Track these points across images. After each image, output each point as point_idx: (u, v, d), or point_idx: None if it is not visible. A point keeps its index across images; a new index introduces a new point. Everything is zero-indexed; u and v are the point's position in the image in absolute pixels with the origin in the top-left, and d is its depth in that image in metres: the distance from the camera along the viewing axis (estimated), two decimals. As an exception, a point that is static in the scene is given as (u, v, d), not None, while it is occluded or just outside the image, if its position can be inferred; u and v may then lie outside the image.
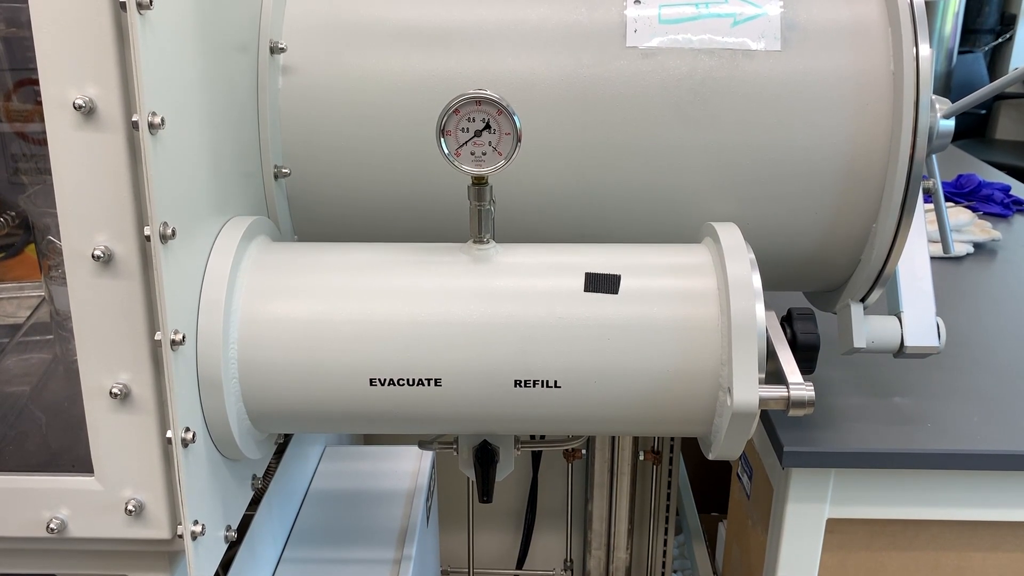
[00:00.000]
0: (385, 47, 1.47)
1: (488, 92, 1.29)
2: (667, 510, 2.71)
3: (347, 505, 1.94)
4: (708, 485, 2.95)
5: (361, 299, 1.19)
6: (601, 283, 1.30)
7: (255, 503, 1.61)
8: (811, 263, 1.50)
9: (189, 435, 1.21)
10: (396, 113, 1.43)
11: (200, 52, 1.19)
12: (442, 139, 1.29)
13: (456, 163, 1.30)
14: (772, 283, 1.36)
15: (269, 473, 1.82)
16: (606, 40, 1.43)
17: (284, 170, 1.45)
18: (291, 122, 1.42)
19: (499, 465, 1.44)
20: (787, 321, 1.31)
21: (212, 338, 1.17)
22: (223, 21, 1.26)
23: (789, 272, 1.51)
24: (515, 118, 1.28)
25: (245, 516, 1.38)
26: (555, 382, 1.20)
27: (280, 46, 1.39)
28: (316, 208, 1.48)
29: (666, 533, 2.62)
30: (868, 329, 1.48)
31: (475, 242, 1.37)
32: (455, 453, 1.48)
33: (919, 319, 1.47)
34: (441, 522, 2.74)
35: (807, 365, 1.29)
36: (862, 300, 1.47)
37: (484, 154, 1.30)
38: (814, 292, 1.66)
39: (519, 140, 1.28)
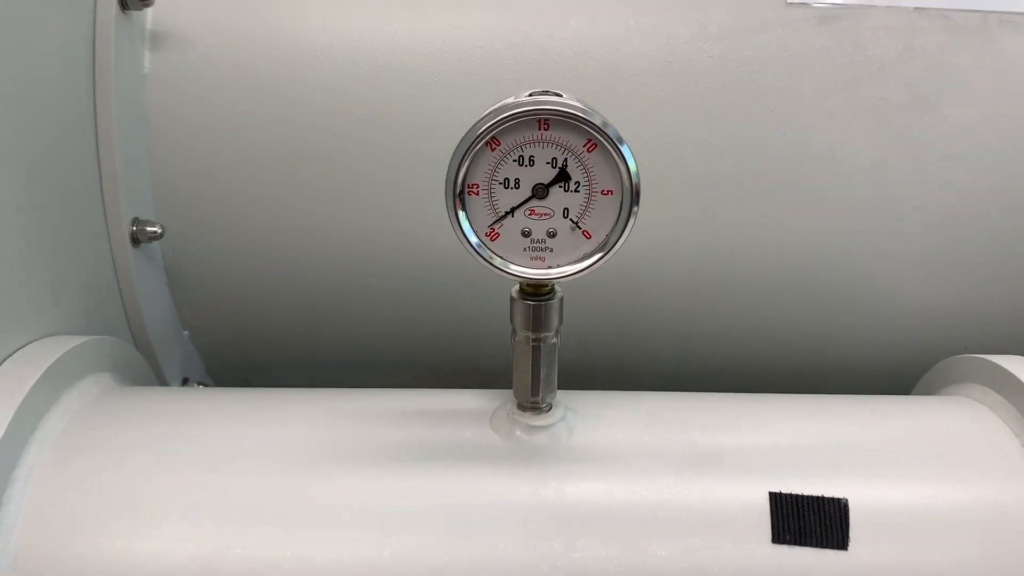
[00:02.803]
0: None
1: (567, 97, 0.54)
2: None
3: None
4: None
5: (283, 532, 0.64)
6: (806, 518, 0.58)
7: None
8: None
9: None
10: (369, 122, 0.89)
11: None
12: (458, 208, 0.54)
13: (487, 257, 0.56)
14: None
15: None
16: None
17: (152, 228, 0.91)
18: (168, 137, 0.89)
19: None
20: None
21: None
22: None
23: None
24: (627, 155, 0.54)
25: None
26: None
27: (143, -5, 0.84)
28: (220, 290, 0.97)
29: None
30: None
31: (522, 406, 0.63)
32: None
33: None
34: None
35: None
36: None
37: (552, 235, 0.55)
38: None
39: (636, 203, 0.54)
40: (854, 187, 0.91)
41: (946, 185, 0.90)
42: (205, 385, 1.02)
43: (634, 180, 0.59)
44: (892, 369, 1.02)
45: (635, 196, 0.59)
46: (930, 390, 0.84)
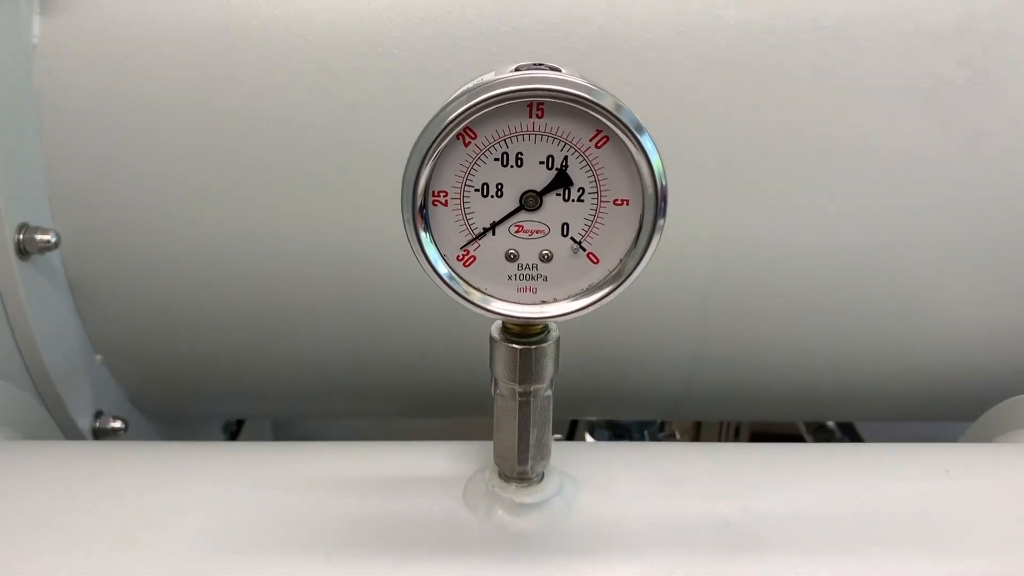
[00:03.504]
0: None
1: (567, 72, 0.38)
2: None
3: None
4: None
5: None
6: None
7: None
8: None
9: None
10: (314, 105, 0.72)
11: None
12: (420, 226, 0.38)
13: (461, 291, 0.39)
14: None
15: None
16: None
17: (44, 236, 0.73)
18: (65, 122, 0.72)
19: None
20: None
21: None
22: None
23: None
24: (650, 150, 0.37)
25: None
26: None
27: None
28: (138, 306, 0.80)
29: None
30: None
31: (505, 476, 0.47)
32: None
33: None
34: None
35: None
36: None
37: (547, 259, 0.39)
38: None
39: (662, 215, 0.38)
40: (898, 182, 0.76)
41: (1007, 179, 0.76)
42: (124, 420, 0.86)
43: (660, 184, 0.43)
44: (933, 395, 0.88)
45: (660, 206, 0.43)
46: (992, 432, 0.69)
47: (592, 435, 1.23)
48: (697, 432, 1.41)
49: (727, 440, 1.46)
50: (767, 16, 0.73)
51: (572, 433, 1.32)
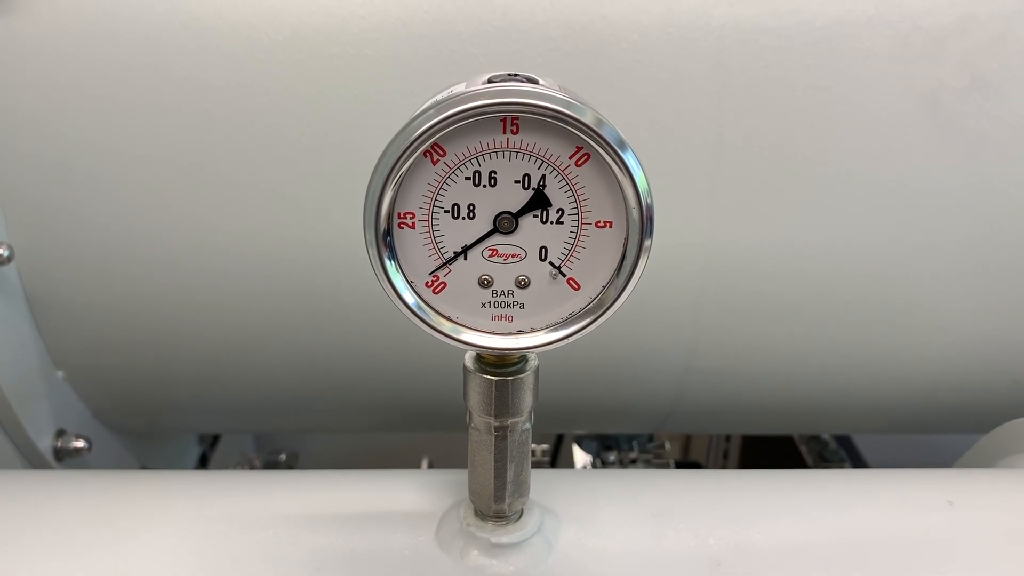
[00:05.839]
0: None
1: (545, 83, 0.34)
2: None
3: None
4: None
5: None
6: None
7: None
8: None
9: None
10: (279, 108, 0.68)
11: None
12: (384, 254, 0.34)
13: (431, 322, 0.35)
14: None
15: None
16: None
17: None
18: (14, 125, 0.68)
19: None
20: None
21: None
22: None
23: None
24: (634, 169, 0.34)
25: None
26: None
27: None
28: (101, 319, 0.76)
29: None
30: None
31: (481, 514, 0.43)
32: None
33: None
34: None
35: None
36: None
37: (524, 285, 0.35)
38: None
39: (648, 236, 0.34)
40: (896, 189, 0.73)
41: (1010, 186, 0.73)
42: (88, 439, 0.82)
43: (645, 204, 0.39)
44: (931, 408, 0.85)
45: (646, 228, 0.40)
46: (993, 456, 0.66)
47: (580, 445, 1.20)
48: (687, 441, 1.37)
49: (718, 447, 1.43)
50: (759, 16, 0.70)
51: (559, 443, 1.29)
